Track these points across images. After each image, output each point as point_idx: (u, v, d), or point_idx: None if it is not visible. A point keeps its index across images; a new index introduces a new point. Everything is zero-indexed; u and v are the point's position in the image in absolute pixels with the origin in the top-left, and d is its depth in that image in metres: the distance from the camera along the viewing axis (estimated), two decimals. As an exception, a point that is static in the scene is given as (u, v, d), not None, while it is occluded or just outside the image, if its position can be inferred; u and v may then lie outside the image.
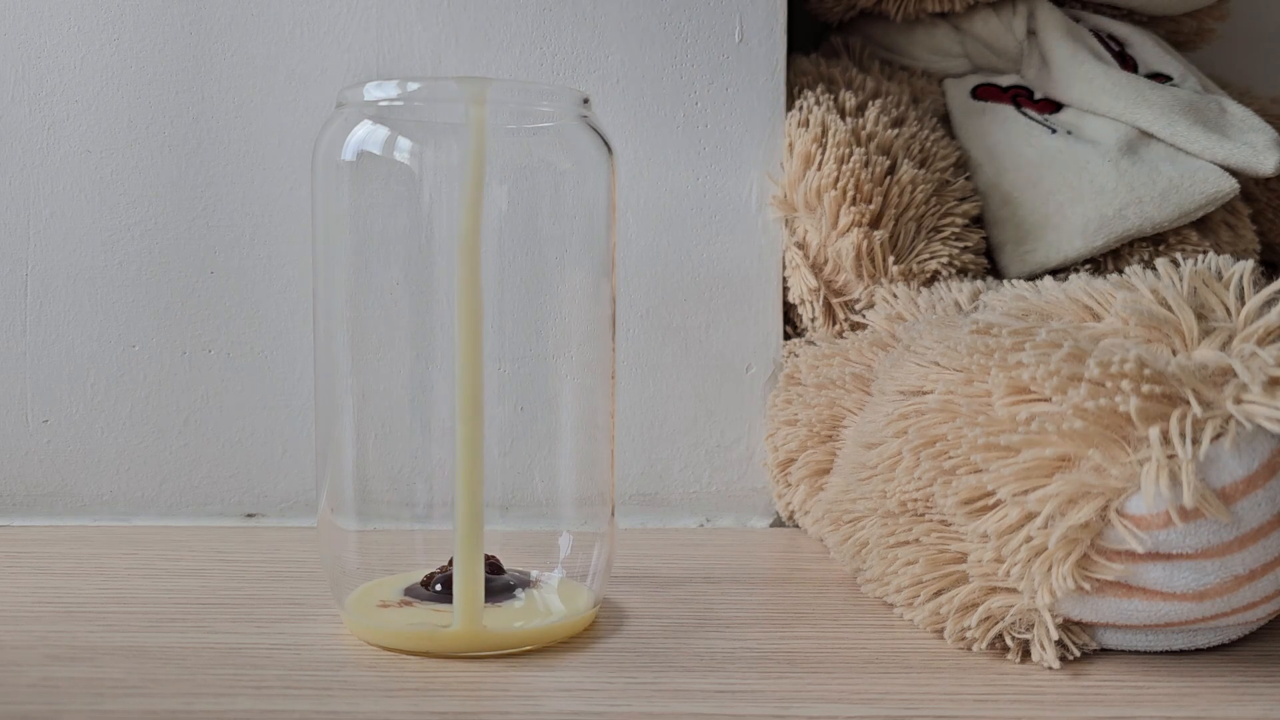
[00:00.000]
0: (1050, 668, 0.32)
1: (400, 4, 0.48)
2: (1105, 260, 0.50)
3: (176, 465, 0.49)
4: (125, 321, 0.48)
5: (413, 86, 0.34)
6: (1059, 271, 0.50)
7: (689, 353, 0.50)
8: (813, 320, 0.50)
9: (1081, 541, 0.30)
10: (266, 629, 0.34)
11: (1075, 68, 0.53)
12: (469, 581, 0.32)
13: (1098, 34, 0.57)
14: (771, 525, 0.50)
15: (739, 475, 0.50)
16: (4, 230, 0.48)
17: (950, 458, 0.33)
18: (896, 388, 0.37)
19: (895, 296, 0.47)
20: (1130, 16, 0.59)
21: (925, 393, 0.35)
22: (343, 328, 0.35)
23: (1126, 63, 0.56)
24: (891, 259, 0.47)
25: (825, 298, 0.49)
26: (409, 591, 0.35)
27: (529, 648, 0.33)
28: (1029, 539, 0.30)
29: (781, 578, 0.42)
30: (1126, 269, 0.35)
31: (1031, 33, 0.56)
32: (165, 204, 0.48)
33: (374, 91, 0.34)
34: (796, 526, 0.49)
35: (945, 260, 0.48)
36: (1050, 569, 0.30)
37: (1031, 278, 0.49)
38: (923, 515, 0.35)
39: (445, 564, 0.35)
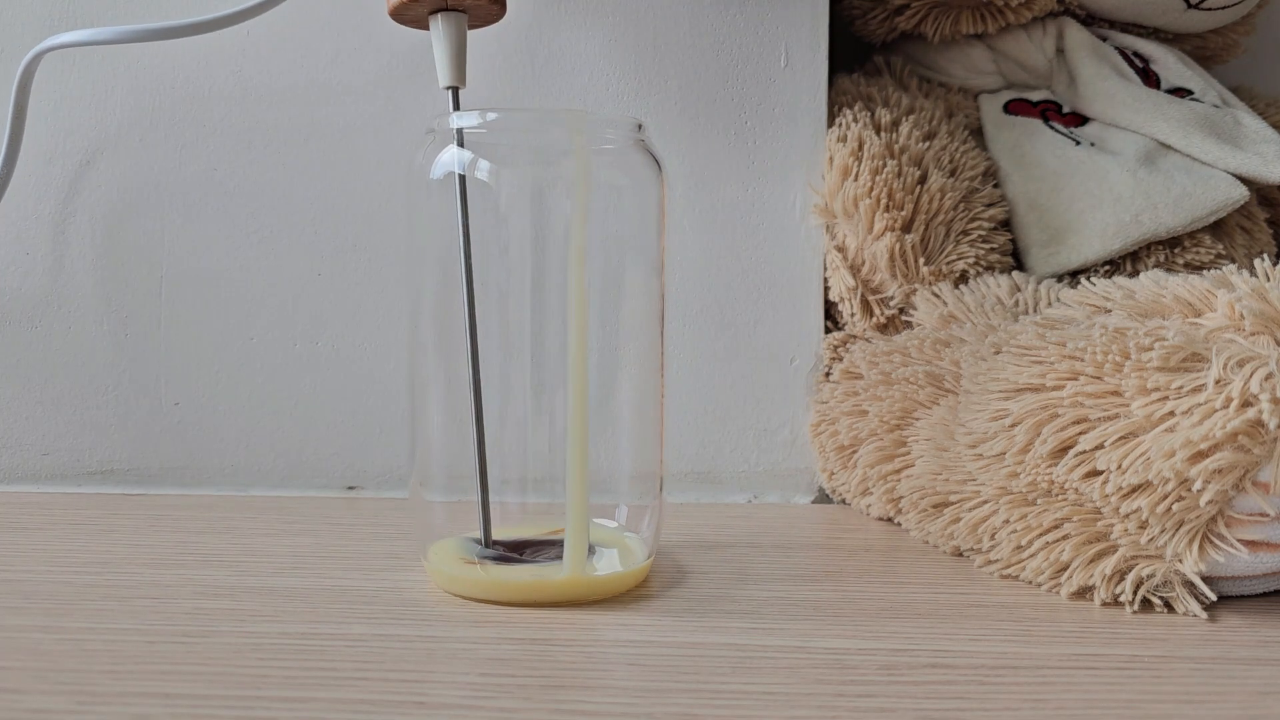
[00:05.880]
0: (1196, 615, 0.37)
1: (485, 38, 0.54)
2: (1124, 262, 0.55)
3: (288, 443, 0.55)
4: (245, 317, 0.55)
5: (490, 116, 0.39)
6: (1080, 272, 0.55)
7: (739, 345, 0.55)
8: (852, 315, 0.55)
9: (1221, 507, 0.35)
10: (372, 576, 0.41)
11: (1098, 84, 0.58)
12: (577, 539, 0.38)
13: (1123, 51, 0.61)
14: (813, 502, 0.55)
15: (784, 456, 0.55)
16: (142, 237, 0.55)
17: (1086, 448, 0.37)
18: (1001, 387, 0.41)
19: (939, 297, 0.52)
20: (1156, 34, 0.63)
21: (1047, 389, 0.39)
22: (431, 325, 0.41)
23: (1150, 78, 0.60)
24: (922, 260, 0.52)
25: (863, 295, 0.54)
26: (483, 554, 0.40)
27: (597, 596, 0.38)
28: (1171, 510, 0.36)
29: (818, 544, 0.48)
30: (1210, 270, 0.40)
31: (1060, 51, 0.61)
32: (279, 215, 0.55)
33: (458, 121, 0.39)
34: (844, 503, 0.54)
35: (972, 260, 0.53)
36: (1196, 534, 0.36)
37: (1056, 278, 0.54)
38: (1053, 495, 0.40)
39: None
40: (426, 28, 0.44)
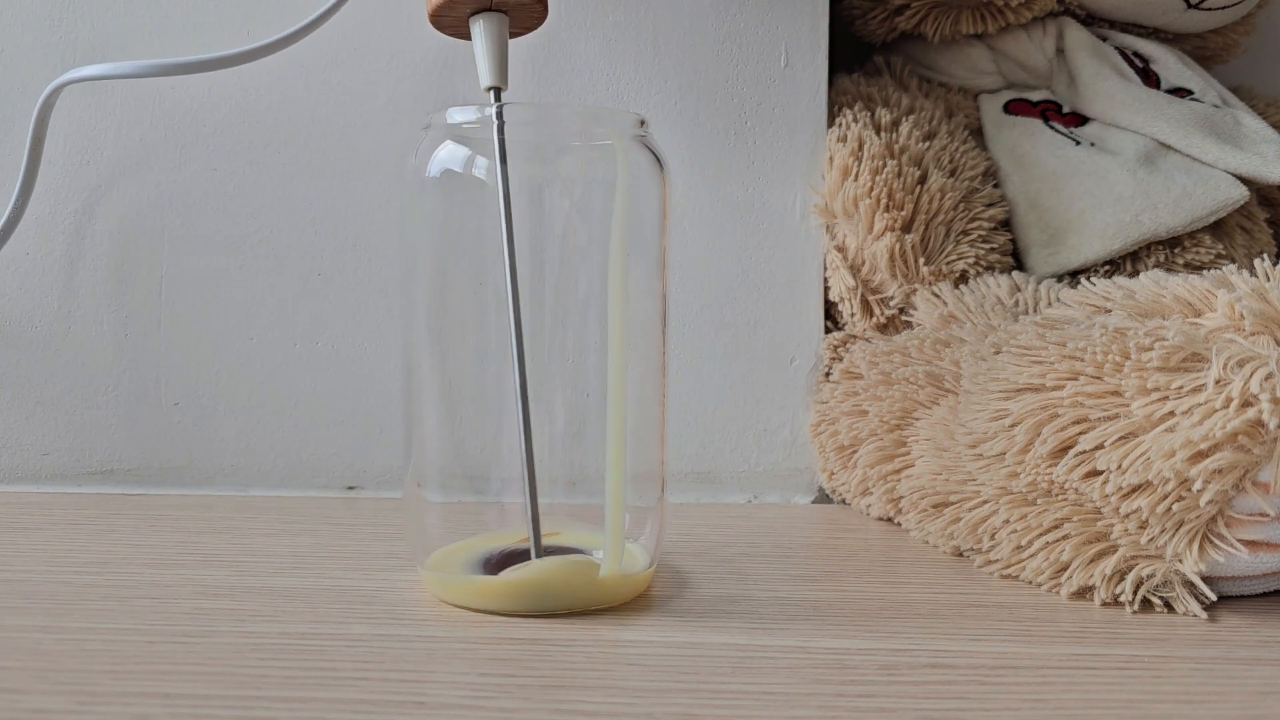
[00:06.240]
0: (1196, 615, 0.37)
1: (483, 37, 0.54)
2: (1124, 262, 0.55)
3: (288, 443, 0.55)
4: (244, 317, 0.55)
5: (489, 111, 0.38)
6: (1080, 272, 0.55)
7: (739, 345, 0.55)
8: (852, 315, 0.55)
9: (1221, 507, 0.35)
10: (372, 576, 0.41)
11: (1098, 84, 0.58)
12: (614, 543, 0.37)
13: (1123, 51, 0.61)
14: (813, 502, 0.55)
15: (784, 456, 0.55)
16: (143, 237, 0.55)
17: (1086, 448, 0.37)
18: (1001, 387, 0.41)
19: (939, 297, 0.52)
20: (1156, 34, 0.63)
21: (1047, 389, 0.39)
22: (425, 324, 0.40)
23: (1150, 78, 0.60)
24: (922, 260, 0.52)
25: (863, 295, 0.54)
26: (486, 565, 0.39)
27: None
28: (1171, 510, 0.36)
29: (818, 545, 0.48)
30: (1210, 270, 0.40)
31: (1060, 51, 0.61)
32: (279, 215, 0.55)
33: (455, 116, 0.38)
34: (844, 503, 0.54)
35: (972, 260, 0.53)
36: (1196, 534, 0.36)
37: (1056, 278, 0.54)
38: (1054, 495, 0.40)
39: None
40: (465, 33, 0.43)
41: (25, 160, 0.53)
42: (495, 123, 0.38)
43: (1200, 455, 0.34)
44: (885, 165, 0.52)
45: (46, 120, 0.53)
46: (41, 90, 0.52)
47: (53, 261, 0.55)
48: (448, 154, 0.38)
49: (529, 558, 0.38)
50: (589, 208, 0.39)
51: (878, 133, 0.54)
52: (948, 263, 0.53)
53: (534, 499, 0.38)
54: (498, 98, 0.42)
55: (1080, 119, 0.59)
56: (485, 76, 0.42)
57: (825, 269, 0.55)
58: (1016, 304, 0.51)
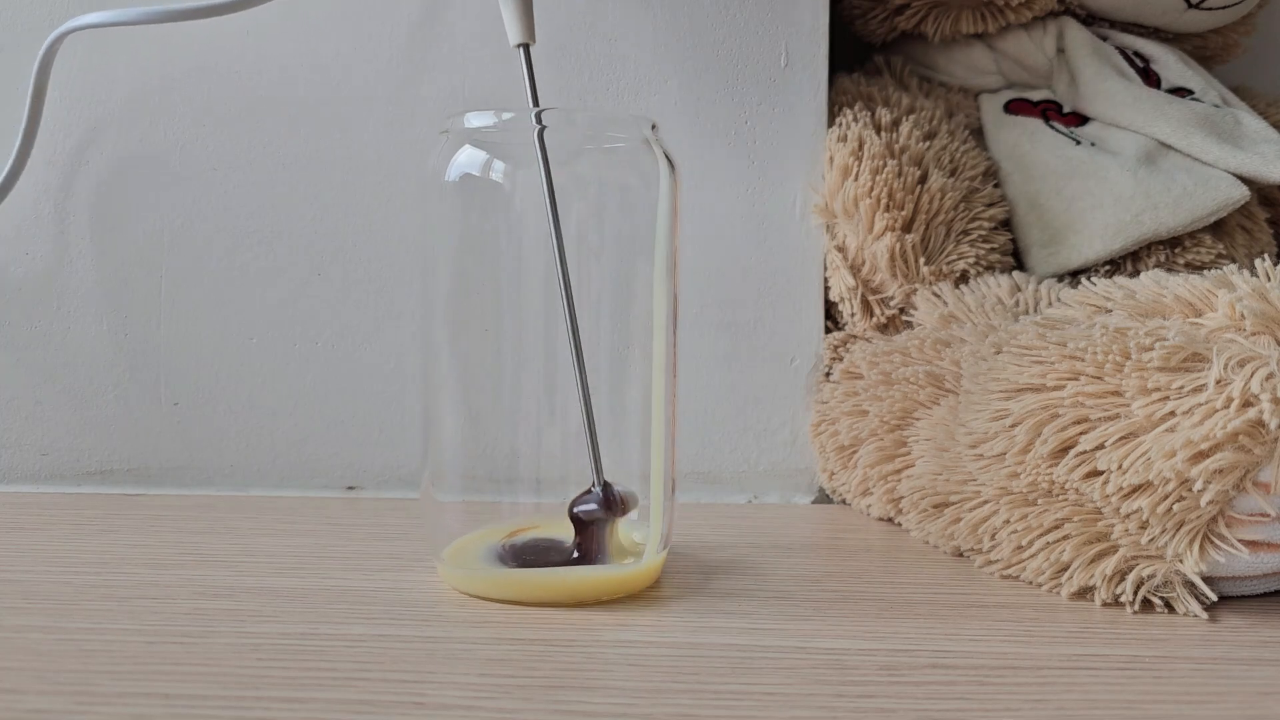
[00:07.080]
0: (1196, 616, 0.37)
1: (485, 39, 0.54)
2: (1124, 261, 0.55)
3: (287, 443, 0.55)
4: (244, 317, 0.55)
5: (506, 116, 0.39)
6: (1081, 272, 0.54)
7: (739, 346, 0.55)
8: (852, 315, 0.55)
9: (1222, 508, 0.35)
10: (372, 576, 0.41)
11: (1099, 84, 0.58)
12: (656, 531, 0.39)
13: (1124, 51, 0.61)
14: (814, 502, 0.55)
15: (784, 456, 0.55)
16: (143, 238, 0.55)
17: (1087, 448, 0.37)
18: (1002, 387, 0.41)
19: (940, 297, 0.52)
20: (1156, 34, 0.63)
21: (1047, 389, 0.39)
22: (444, 326, 0.40)
23: (1150, 78, 0.60)
24: (923, 260, 0.52)
25: (863, 295, 0.54)
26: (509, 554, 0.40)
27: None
28: (1171, 511, 0.36)
29: (818, 545, 0.48)
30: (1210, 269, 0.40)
31: (1061, 50, 0.60)
32: (279, 215, 0.55)
33: (474, 121, 0.39)
34: (844, 503, 0.54)
35: (973, 260, 0.53)
36: (1197, 534, 0.36)
37: (1057, 277, 0.54)
38: (1054, 495, 0.40)
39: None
40: None
41: (27, 110, 0.53)
42: (536, 128, 0.39)
43: (1201, 455, 0.34)
44: (885, 165, 0.52)
45: (49, 69, 0.53)
46: (44, 40, 0.52)
47: (53, 261, 0.55)
48: (466, 158, 0.39)
49: (535, 546, 0.39)
50: (603, 210, 0.40)
51: (878, 132, 0.54)
52: (948, 262, 0.53)
53: (594, 441, 0.40)
54: (527, 53, 0.42)
55: (1081, 119, 0.59)
56: (514, 34, 0.42)
57: (825, 269, 0.55)
58: (1017, 304, 0.51)
